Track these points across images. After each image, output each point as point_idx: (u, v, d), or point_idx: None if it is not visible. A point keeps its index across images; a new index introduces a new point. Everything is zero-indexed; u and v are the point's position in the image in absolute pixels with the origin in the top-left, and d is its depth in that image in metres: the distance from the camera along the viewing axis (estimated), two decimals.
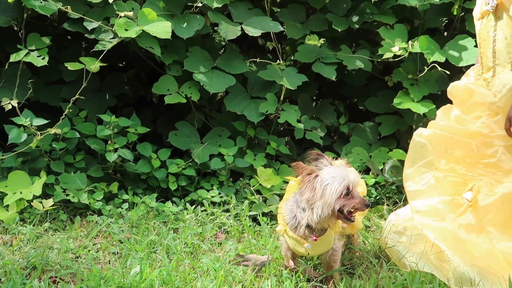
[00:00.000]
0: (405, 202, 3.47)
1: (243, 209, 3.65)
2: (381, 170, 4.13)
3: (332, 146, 4.49)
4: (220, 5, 3.90)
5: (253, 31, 3.97)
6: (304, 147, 4.44)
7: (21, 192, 3.50)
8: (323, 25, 4.34)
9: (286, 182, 3.24)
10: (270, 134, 4.21)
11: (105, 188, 3.74)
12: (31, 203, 3.49)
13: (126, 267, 2.90)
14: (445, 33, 4.67)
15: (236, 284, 2.75)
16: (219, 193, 3.81)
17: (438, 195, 2.96)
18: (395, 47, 3.97)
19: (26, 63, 3.81)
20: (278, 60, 4.10)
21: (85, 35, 3.84)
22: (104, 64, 3.69)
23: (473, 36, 3.09)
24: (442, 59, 3.91)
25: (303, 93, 4.47)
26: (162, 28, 3.63)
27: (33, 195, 3.50)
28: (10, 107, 3.68)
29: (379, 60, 4.16)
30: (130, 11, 3.66)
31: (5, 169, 3.69)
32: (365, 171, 4.14)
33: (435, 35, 4.35)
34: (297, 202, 2.62)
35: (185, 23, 3.87)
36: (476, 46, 3.23)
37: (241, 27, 3.98)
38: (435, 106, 3.94)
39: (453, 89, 3.05)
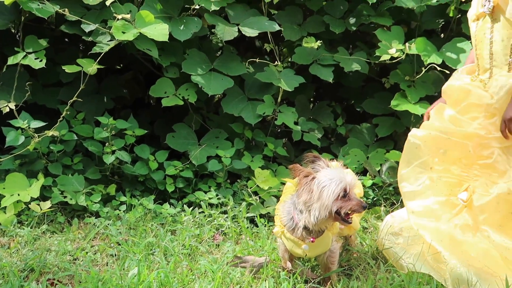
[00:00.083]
0: (402, 203, 3.48)
1: (240, 211, 3.66)
2: (378, 171, 4.14)
3: (329, 148, 4.50)
4: (218, 8, 3.91)
5: (250, 32, 3.98)
6: (302, 149, 4.45)
7: (18, 194, 3.50)
8: (320, 27, 4.36)
9: (284, 184, 3.24)
10: (268, 136, 4.21)
11: (102, 190, 3.75)
12: (29, 205, 3.48)
13: (124, 269, 2.89)
14: (442, 35, 4.69)
15: (234, 286, 2.76)
16: (217, 195, 3.81)
17: (433, 196, 2.97)
18: (392, 49, 3.98)
19: (24, 66, 3.82)
20: (275, 62, 4.11)
21: (83, 37, 3.84)
22: (102, 67, 3.70)
23: (470, 38, 3.10)
24: (438, 61, 3.93)
25: (300, 95, 4.48)
26: (159, 31, 3.63)
27: (31, 197, 3.49)
28: (7, 109, 3.67)
29: (376, 62, 4.17)
30: (128, 13, 3.67)
31: (2, 171, 3.69)
32: (363, 172, 4.16)
33: (431, 37, 4.36)
34: (295, 203, 2.62)
35: (183, 25, 3.87)
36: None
37: (238, 28, 3.99)
38: None
39: (448, 88, 3.04)
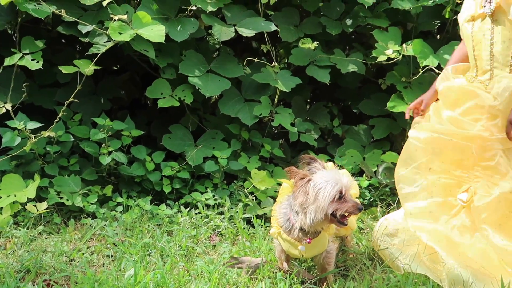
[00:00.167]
0: (399, 204, 3.49)
1: (237, 212, 3.66)
2: (375, 172, 4.15)
3: (326, 149, 4.50)
4: (215, 9, 3.91)
5: (247, 32, 3.99)
6: (298, 150, 4.45)
7: (15, 195, 3.49)
8: (317, 28, 4.36)
9: (280, 184, 3.25)
10: (264, 137, 4.22)
11: (99, 191, 3.74)
12: (25, 206, 3.48)
13: (120, 270, 2.90)
14: (438, 36, 4.70)
15: (230, 287, 2.76)
16: (213, 196, 3.81)
17: (431, 197, 2.95)
18: (389, 49, 3.99)
19: (20, 67, 3.81)
20: (272, 63, 4.11)
21: (80, 38, 3.84)
22: (99, 67, 3.70)
23: None
24: (435, 64, 3.92)
25: (297, 96, 4.48)
26: (156, 32, 3.63)
27: (27, 198, 3.49)
28: (4, 110, 3.67)
29: (373, 63, 4.18)
30: (124, 14, 3.67)
31: None
32: (359, 173, 4.16)
33: (428, 38, 4.37)
34: (291, 205, 2.63)
35: (179, 26, 3.87)
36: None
37: (235, 29, 4.00)
38: None
39: (448, 89, 2.99)
